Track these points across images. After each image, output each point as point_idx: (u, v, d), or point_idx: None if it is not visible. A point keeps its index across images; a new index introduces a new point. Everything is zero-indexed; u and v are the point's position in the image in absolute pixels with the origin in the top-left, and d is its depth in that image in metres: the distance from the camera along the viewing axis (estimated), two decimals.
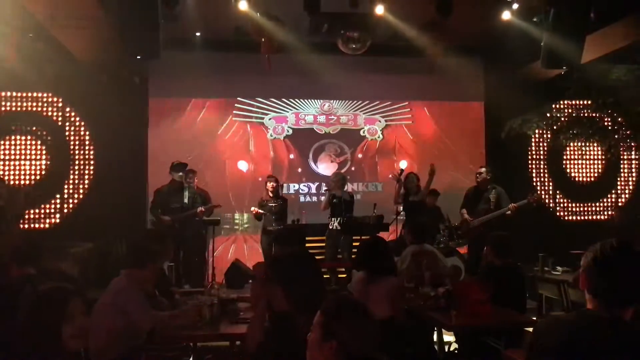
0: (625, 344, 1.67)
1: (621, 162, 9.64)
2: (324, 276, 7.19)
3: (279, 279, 2.22)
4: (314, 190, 9.09)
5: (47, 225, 8.22)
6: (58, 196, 8.32)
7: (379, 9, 6.79)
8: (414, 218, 7.09)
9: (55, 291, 2.16)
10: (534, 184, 9.44)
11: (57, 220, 8.27)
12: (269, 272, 2.38)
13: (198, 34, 7.95)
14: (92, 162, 8.44)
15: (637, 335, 1.71)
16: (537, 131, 8.89)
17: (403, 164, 8.32)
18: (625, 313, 1.72)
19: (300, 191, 9.12)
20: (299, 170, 9.19)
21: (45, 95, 8.36)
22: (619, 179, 9.79)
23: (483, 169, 7.26)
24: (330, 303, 1.87)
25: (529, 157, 9.54)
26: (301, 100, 9.21)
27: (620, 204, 9.55)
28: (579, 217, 9.60)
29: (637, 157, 9.54)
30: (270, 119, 9.14)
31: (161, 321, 3.32)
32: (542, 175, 9.57)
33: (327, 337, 1.77)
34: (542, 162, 9.56)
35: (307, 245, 7.35)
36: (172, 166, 7.07)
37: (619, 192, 9.77)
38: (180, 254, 6.93)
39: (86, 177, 8.43)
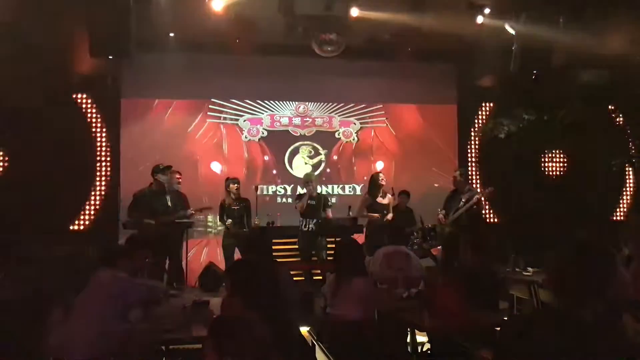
0: (585, 341, 1.71)
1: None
2: (298, 278, 7.21)
3: (235, 287, 2.20)
4: (289, 192, 9.07)
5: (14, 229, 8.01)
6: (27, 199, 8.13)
7: (354, 12, 6.83)
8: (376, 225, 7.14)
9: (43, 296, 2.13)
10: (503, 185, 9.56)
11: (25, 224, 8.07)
12: (226, 279, 2.38)
13: (171, 34, 7.87)
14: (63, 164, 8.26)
15: (597, 332, 1.75)
16: (507, 134, 9.02)
17: None
18: (587, 311, 1.76)
19: (277, 193, 9.10)
20: (274, 172, 9.17)
21: None
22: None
23: (457, 172, 7.34)
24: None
25: (501, 160, 9.67)
26: (276, 102, 9.20)
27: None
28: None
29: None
30: (245, 121, 9.10)
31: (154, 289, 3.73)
32: (511, 177, 9.70)
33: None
34: (512, 164, 9.69)
35: (282, 247, 7.38)
36: (158, 169, 6.79)
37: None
38: (166, 258, 6.77)
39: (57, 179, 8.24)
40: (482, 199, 6.86)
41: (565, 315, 1.78)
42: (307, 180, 7.40)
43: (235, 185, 7.33)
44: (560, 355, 1.69)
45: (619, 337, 1.93)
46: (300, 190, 7.68)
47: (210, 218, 8.64)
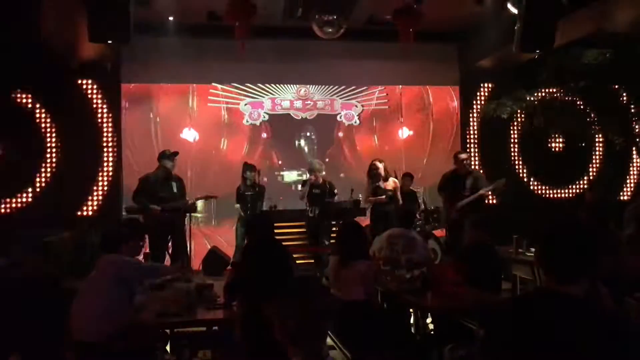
0: (573, 319, 1.70)
1: (596, 144, 9.83)
2: (306, 261, 7.25)
3: (246, 266, 2.23)
4: (293, 177, 9.06)
5: (19, 214, 8.04)
6: (30, 184, 8.15)
7: None
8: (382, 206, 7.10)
9: (49, 275, 2.16)
10: (508, 167, 9.52)
11: (30, 209, 8.09)
12: (239, 260, 2.40)
13: (171, 18, 7.81)
14: (64, 150, 8.25)
15: (586, 310, 1.74)
16: (510, 115, 8.97)
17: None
18: (575, 288, 1.76)
19: (278, 177, 9.09)
20: (276, 156, 9.15)
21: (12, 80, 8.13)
22: (591, 160, 9.98)
23: (463, 155, 7.20)
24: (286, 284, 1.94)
25: (503, 140, 9.63)
26: (277, 85, 9.15)
27: (590, 185, 9.75)
28: (554, 196, 9.76)
29: (601, 139, 9.67)
30: (245, 105, 9.06)
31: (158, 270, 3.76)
32: (516, 158, 9.68)
33: (275, 315, 1.88)
34: (515, 146, 9.67)
35: (286, 231, 7.39)
36: (165, 155, 6.79)
37: (590, 173, 9.95)
38: (169, 243, 6.79)
39: (59, 165, 8.24)
40: (490, 192, 6.77)
41: (553, 292, 1.77)
42: (310, 169, 7.36)
43: (252, 172, 7.31)
44: (552, 334, 1.69)
45: (618, 318, 1.92)
46: (305, 176, 7.69)
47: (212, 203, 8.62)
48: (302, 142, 9.25)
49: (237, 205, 7.28)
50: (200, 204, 7.26)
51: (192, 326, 3.61)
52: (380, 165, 7.20)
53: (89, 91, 8.37)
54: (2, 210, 7.94)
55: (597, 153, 9.94)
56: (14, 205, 8.04)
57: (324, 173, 7.37)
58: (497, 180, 6.91)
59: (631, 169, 10.08)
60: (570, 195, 9.81)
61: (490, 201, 8.85)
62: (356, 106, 9.38)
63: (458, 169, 7.06)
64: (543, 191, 9.73)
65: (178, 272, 4.29)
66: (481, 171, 6.98)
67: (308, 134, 9.25)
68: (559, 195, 9.80)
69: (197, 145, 8.78)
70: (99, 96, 8.39)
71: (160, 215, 6.53)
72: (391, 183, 7.16)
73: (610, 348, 1.65)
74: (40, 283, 2.09)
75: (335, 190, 7.42)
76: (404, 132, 9.49)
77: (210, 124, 8.92)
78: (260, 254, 2.25)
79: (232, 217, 7.85)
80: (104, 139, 8.37)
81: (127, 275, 3.47)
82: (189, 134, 8.79)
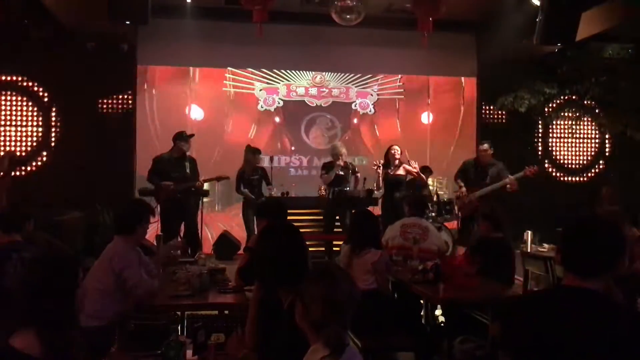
0: (593, 314, 1.68)
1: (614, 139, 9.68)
2: (319, 249, 7.22)
3: (265, 251, 2.20)
4: (305, 164, 9.05)
5: (31, 193, 8.10)
6: (42, 163, 8.20)
7: None
8: (391, 193, 7.04)
9: (68, 256, 2.14)
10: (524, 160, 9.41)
11: (42, 189, 8.14)
12: (256, 244, 2.37)
13: (188, 0, 7.77)
14: (77, 130, 8.28)
15: (606, 305, 1.72)
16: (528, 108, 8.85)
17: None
18: (596, 284, 1.74)
19: (292, 164, 9.07)
20: (290, 142, 9.12)
21: (29, 61, 8.15)
22: (605, 154, 9.83)
23: (486, 145, 7.07)
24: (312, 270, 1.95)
25: (520, 133, 9.52)
26: (293, 71, 9.09)
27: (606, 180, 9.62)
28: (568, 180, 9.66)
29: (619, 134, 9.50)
30: (260, 90, 9.03)
31: (151, 288, 3.46)
32: (532, 151, 9.57)
33: (299, 300, 1.85)
34: (533, 139, 9.56)
35: (298, 217, 7.36)
36: (181, 136, 6.79)
37: (605, 166, 9.80)
38: (181, 225, 6.81)
39: (73, 144, 8.28)
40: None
41: (572, 288, 1.75)
42: (336, 154, 7.11)
43: (256, 155, 7.28)
44: (574, 329, 1.67)
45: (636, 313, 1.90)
46: (318, 162, 7.63)
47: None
48: (318, 129, 9.19)
49: (246, 190, 7.20)
50: (208, 185, 7.19)
51: (205, 309, 3.62)
52: (394, 151, 7.11)
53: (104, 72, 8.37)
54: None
55: (615, 148, 9.78)
56: (27, 184, 8.09)
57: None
58: (532, 166, 6.80)
59: None
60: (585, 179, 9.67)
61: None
62: (371, 95, 9.32)
63: (481, 159, 6.90)
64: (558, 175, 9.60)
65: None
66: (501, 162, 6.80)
67: (319, 120, 9.19)
68: (572, 179, 9.68)
69: (210, 127, 8.76)
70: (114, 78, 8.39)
71: (173, 195, 6.54)
72: (403, 170, 7.09)
73: (630, 342, 1.63)
74: (55, 260, 2.07)
75: (357, 169, 7.37)
76: (419, 122, 9.40)
77: (223, 108, 8.90)
78: (279, 239, 2.22)
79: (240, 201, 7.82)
80: (118, 120, 8.39)
81: (118, 270, 3.40)
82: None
